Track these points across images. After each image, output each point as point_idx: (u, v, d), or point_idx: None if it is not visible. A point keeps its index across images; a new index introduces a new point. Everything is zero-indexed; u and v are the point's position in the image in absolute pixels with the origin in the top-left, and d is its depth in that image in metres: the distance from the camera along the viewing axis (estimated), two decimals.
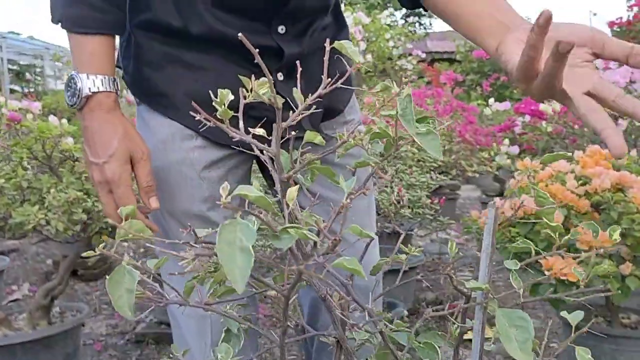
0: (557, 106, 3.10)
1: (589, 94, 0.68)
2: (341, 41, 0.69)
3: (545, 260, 1.74)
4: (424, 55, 6.20)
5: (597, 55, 0.71)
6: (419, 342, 0.79)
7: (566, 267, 1.65)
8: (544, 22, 0.61)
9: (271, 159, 0.81)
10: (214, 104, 0.69)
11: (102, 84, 0.91)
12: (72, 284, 3.88)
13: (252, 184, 1.20)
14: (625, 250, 1.82)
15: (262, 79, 0.70)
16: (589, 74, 0.68)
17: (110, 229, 2.08)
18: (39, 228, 1.89)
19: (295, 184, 0.70)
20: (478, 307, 0.72)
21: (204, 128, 1.06)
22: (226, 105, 0.70)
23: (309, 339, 1.30)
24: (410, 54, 6.26)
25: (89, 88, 0.91)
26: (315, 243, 0.58)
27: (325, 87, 0.67)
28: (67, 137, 2.05)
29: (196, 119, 0.71)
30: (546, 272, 1.66)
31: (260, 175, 1.27)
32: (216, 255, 0.66)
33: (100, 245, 0.62)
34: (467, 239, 5.30)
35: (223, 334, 0.84)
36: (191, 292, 0.95)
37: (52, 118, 2.20)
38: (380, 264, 0.88)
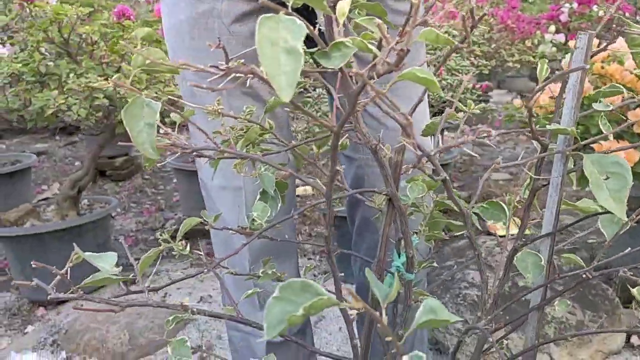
0: None
1: None
2: None
3: (599, 144, 1.61)
4: None
5: None
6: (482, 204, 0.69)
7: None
8: None
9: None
10: None
11: None
12: (101, 183, 3.89)
13: None
14: None
15: None
16: None
17: None
18: (60, 115, 1.81)
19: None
20: (558, 157, 0.61)
21: None
22: None
23: (349, 219, 1.22)
24: None
25: None
26: (374, 57, 0.47)
27: None
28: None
29: None
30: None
31: None
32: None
33: (115, 76, 0.52)
34: (500, 141, 5.14)
35: (258, 196, 0.75)
36: (218, 164, 0.86)
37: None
38: (435, 123, 0.78)
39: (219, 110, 0.75)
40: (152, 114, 0.51)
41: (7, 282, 2.34)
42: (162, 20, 1.04)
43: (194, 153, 0.72)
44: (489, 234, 2.20)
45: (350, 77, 0.56)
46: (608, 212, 0.57)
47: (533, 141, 0.63)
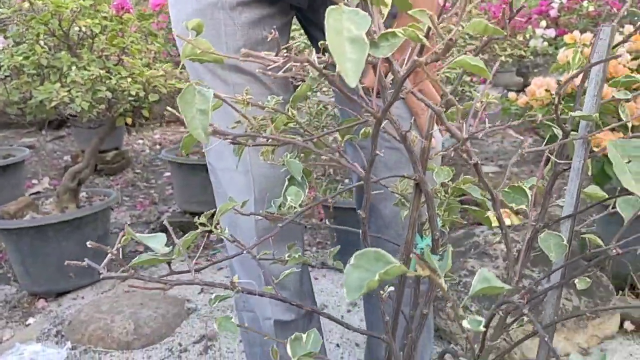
0: None
1: None
2: None
3: (594, 138, 1.67)
4: None
5: None
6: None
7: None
8: None
9: None
10: None
11: None
12: (92, 177, 3.88)
13: (289, 39, 1.11)
14: None
15: None
16: None
17: (133, 110, 2.01)
18: (62, 107, 1.82)
19: None
20: (579, 143, 0.65)
21: None
22: None
23: (357, 204, 1.25)
24: None
25: None
26: (422, 48, 0.50)
27: None
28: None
29: None
30: (595, 149, 1.59)
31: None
32: None
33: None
34: (488, 134, 5.22)
35: (286, 182, 0.78)
36: (242, 151, 0.88)
37: None
38: (454, 112, 0.81)
39: (247, 100, 0.78)
40: (204, 101, 0.54)
41: (4, 275, 2.34)
42: (170, 12, 1.06)
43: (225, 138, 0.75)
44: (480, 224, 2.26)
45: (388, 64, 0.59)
46: (628, 194, 0.61)
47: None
